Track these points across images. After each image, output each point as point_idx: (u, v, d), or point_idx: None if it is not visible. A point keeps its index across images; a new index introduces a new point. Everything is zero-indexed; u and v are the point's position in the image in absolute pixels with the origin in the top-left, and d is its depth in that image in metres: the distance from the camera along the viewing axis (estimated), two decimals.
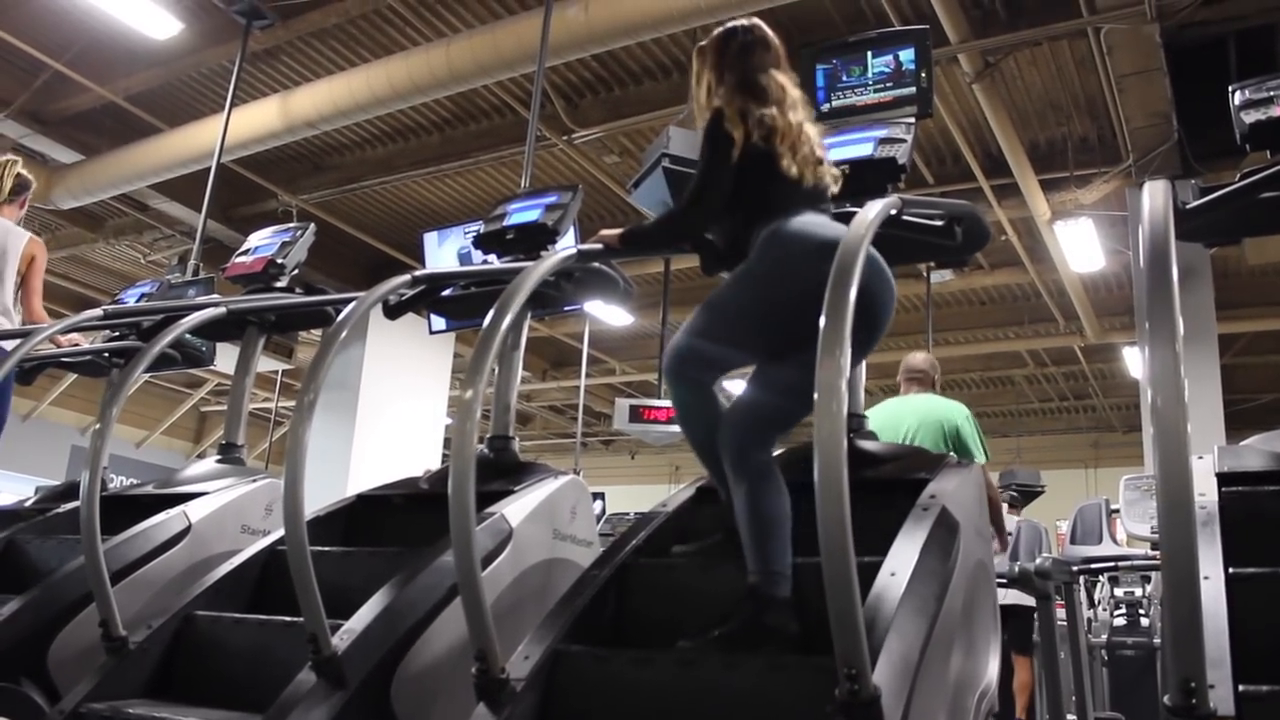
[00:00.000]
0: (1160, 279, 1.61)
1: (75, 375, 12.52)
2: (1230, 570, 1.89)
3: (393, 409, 11.41)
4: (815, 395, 1.69)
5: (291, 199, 9.95)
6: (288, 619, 2.53)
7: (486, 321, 2.14)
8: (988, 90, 7.24)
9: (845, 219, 2.61)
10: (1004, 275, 10.92)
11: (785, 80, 2.50)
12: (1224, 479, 2.20)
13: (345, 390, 10.97)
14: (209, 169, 7.34)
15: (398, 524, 3.07)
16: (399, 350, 11.20)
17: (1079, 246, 9.07)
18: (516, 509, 2.77)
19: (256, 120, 8.00)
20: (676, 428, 9.69)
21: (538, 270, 2.31)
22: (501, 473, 2.99)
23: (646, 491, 18.12)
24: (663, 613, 2.30)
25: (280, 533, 3.04)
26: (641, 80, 8.30)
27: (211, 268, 6.36)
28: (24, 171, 4.59)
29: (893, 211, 2.09)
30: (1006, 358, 13.87)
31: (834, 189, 2.50)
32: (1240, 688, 1.63)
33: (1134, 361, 11.61)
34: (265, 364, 11.17)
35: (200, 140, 8.22)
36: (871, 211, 1.94)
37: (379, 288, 2.57)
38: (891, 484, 2.44)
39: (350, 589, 2.51)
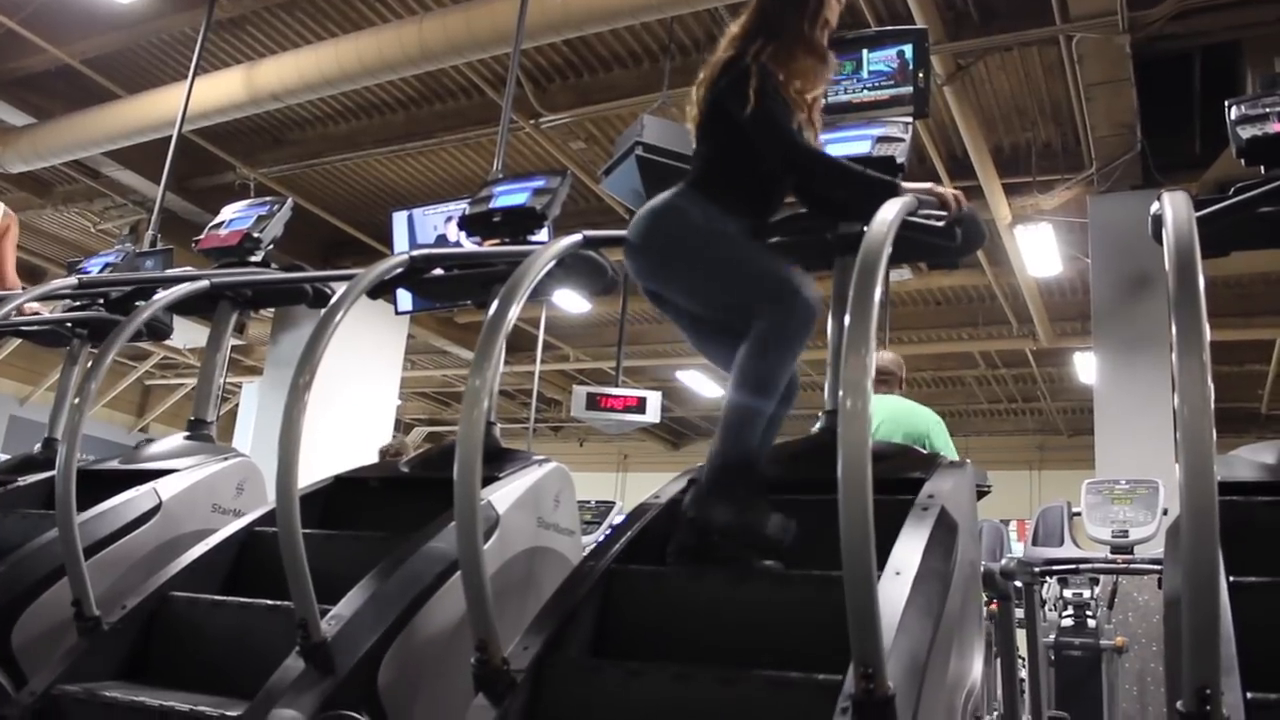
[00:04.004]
0: (1188, 291, 1.62)
1: (18, 343, 12.24)
2: (1231, 579, 1.91)
3: (345, 389, 11.23)
4: (840, 393, 1.68)
5: (250, 172, 9.75)
6: (270, 602, 2.47)
7: (493, 308, 2.10)
8: (957, 92, 7.28)
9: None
10: (961, 276, 11.00)
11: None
12: (1220, 488, 2.21)
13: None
14: (167, 138, 7.13)
15: (377, 508, 3.01)
16: (351, 329, 10.92)
17: (1038, 251, 9.15)
18: (502, 496, 2.73)
19: (220, 90, 7.80)
20: (631, 417, 9.75)
21: (546, 255, 2.27)
22: (485, 458, 2.94)
23: (595, 479, 18.09)
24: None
25: (256, 513, 2.99)
26: (611, 67, 8.25)
27: (166, 239, 6.20)
28: None
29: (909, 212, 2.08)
30: (958, 358, 14.00)
31: None
32: (1248, 695, 1.65)
33: (1084, 366, 11.78)
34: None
35: (160, 108, 7.98)
36: (891, 211, 1.93)
37: (374, 268, 2.51)
38: (885, 483, 2.43)
39: (333, 574, 2.44)
